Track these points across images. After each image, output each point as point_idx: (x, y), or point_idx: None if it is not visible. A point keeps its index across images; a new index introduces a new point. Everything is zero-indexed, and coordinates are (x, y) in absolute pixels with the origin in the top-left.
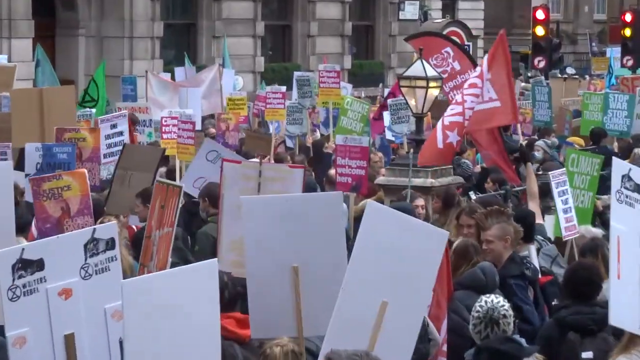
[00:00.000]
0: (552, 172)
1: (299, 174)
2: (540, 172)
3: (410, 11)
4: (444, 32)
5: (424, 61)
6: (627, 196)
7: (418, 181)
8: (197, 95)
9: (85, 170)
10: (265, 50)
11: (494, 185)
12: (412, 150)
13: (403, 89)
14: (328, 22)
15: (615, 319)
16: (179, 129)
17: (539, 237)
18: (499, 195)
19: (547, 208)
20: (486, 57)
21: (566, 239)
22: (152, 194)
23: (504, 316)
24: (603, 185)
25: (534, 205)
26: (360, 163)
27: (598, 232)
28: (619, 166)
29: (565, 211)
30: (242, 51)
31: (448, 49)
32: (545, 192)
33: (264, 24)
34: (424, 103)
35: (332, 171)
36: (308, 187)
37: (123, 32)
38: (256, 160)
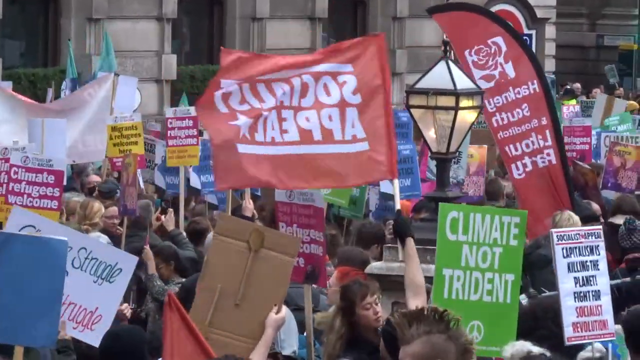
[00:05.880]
0: None
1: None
2: None
3: None
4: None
5: (450, 62)
6: None
7: None
8: (56, 128)
9: None
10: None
11: None
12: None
13: (415, 111)
14: None
15: None
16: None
17: None
18: None
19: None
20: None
21: None
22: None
23: None
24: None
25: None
26: (315, 234)
27: None
28: None
29: None
30: (138, 45)
31: (499, 40)
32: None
33: None
34: (450, 135)
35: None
36: None
37: None
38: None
